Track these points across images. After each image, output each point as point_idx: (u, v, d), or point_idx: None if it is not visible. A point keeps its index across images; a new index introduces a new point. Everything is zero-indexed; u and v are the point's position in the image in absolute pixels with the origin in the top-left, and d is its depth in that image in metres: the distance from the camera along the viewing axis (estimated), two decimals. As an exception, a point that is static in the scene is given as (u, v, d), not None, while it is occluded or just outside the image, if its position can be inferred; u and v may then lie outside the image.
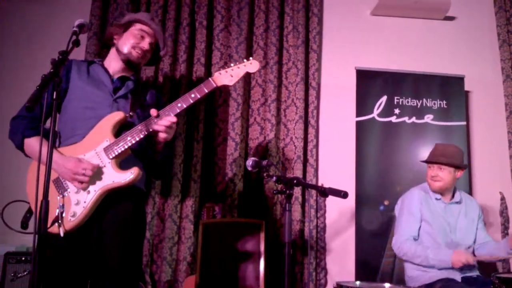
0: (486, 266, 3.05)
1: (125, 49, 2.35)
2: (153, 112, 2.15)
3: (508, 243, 2.81)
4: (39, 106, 2.11)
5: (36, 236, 1.55)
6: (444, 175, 2.92)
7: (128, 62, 2.36)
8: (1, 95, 3.43)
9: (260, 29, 3.67)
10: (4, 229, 2.12)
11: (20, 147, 2.18)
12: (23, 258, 2.90)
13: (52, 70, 1.66)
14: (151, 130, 2.14)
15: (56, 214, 1.95)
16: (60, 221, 1.94)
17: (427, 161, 3.01)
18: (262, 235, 3.11)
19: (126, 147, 2.11)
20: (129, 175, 2.07)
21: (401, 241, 2.88)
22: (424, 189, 3.02)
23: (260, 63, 3.60)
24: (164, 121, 2.12)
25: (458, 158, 2.94)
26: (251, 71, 2.29)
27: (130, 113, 2.22)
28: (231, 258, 3.08)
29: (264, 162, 2.39)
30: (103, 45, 2.52)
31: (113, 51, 2.41)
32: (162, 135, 2.15)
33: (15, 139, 2.19)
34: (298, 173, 3.46)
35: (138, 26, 2.41)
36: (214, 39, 3.61)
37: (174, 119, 2.14)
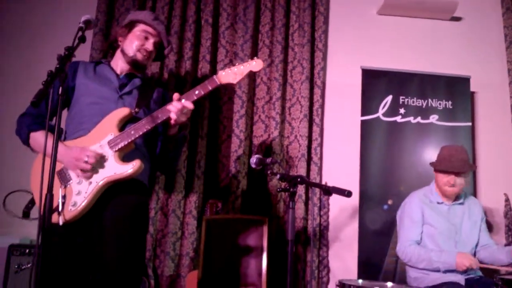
0: (489, 268, 3.04)
1: (130, 51, 2.40)
2: (176, 95, 2.22)
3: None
4: (45, 103, 2.16)
5: (40, 230, 1.57)
6: (461, 181, 2.88)
7: (134, 64, 2.41)
8: (7, 91, 3.47)
9: (266, 27, 3.68)
10: (8, 221, 2.15)
11: (26, 141, 2.23)
12: (27, 251, 2.91)
13: (58, 66, 1.69)
14: (154, 124, 2.17)
15: (57, 204, 1.97)
16: (60, 211, 1.97)
17: (442, 170, 2.91)
18: (265, 232, 3.12)
19: (129, 140, 2.14)
20: (130, 167, 2.10)
21: (405, 246, 2.87)
22: (424, 193, 3.00)
23: (265, 61, 3.61)
24: (178, 104, 2.18)
25: (470, 162, 2.91)
26: (255, 69, 2.32)
27: (136, 109, 2.26)
28: (234, 254, 3.09)
29: (268, 160, 2.40)
30: (109, 46, 2.57)
31: (118, 52, 2.46)
32: (173, 116, 2.19)
33: (21, 134, 2.24)
34: (302, 171, 3.46)
35: (142, 26, 2.44)
36: (219, 36, 3.62)
37: (190, 105, 2.20)
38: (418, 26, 3.97)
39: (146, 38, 2.43)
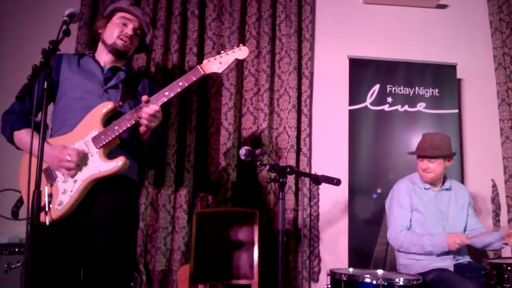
0: (478, 253, 3.09)
1: (110, 39, 2.35)
2: (144, 98, 2.14)
3: (502, 236, 2.82)
4: (29, 99, 2.14)
5: (29, 226, 1.55)
6: (435, 166, 2.93)
7: (116, 52, 2.36)
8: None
9: (253, 18, 3.66)
10: (-3, 221, 2.12)
11: (11, 140, 2.21)
12: (17, 250, 2.89)
13: (42, 60, 1.66)
14: (138, 118, 2.13)
15: (44, 203, 1.95)
16: (47, 210, 1.95)
17: (417, 155, 3.02)
18: (256, 224, 3.12)
19: (113, 136, 2.10)
20: (115, 164, 2.07)
21: (396, 232, 2.90)
22: (411, 180, 3.03)
23: (253, 52, 3.59)
24: (148, 109, 2.11)
25: (446, 148, 2.95)
26: (240, 57, 2.25)
27: (120, 103, 2.21)
28: (225, 247, 3.09)
29: (257, 151, 2.39)
30: (92, 40, 2.53)
31: (100, 44, 2.41)
32: (144, 122, 2.13)
33: (5, 133, 2.21)
34: (292, 162, 3.47)
35: (120, 14, 2.40)
36: (206, 28, 3.59)
37: (157, 108, 2.12)
38: (404, 15, 3.97)
39: (125, 25, 2.38)
